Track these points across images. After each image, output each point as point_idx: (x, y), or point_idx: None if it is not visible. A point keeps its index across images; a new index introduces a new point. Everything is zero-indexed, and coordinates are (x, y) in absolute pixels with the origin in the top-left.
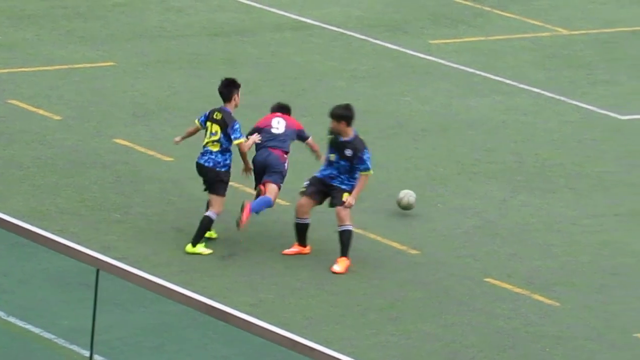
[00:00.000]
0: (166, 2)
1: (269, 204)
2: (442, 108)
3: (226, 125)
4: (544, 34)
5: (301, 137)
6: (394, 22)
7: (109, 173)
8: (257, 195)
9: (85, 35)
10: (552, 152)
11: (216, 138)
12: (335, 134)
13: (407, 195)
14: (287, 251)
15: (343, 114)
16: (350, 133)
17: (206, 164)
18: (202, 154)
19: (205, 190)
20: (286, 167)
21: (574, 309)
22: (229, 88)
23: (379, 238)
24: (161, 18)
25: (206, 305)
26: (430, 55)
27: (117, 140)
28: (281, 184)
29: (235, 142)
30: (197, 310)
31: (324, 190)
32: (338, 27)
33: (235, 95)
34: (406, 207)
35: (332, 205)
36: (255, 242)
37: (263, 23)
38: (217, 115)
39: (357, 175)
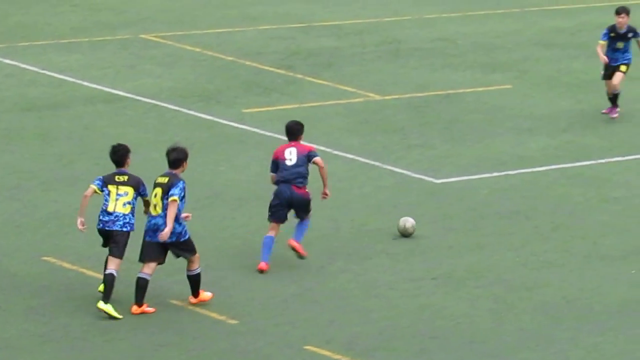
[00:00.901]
0: None
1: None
2: (257, 177)
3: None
4: (356, 100)
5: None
6: (207, 92)
7: None
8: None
9: None
10: (369, 218)
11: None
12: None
13: (406, 221)
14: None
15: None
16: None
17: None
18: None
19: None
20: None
21: None
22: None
23: (197, 309)
24: None
25: None
26: (244, 124)
27: None
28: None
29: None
30: None
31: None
32: (151, 98)
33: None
34: (404, 232)
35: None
36: None
37: (75, 96)
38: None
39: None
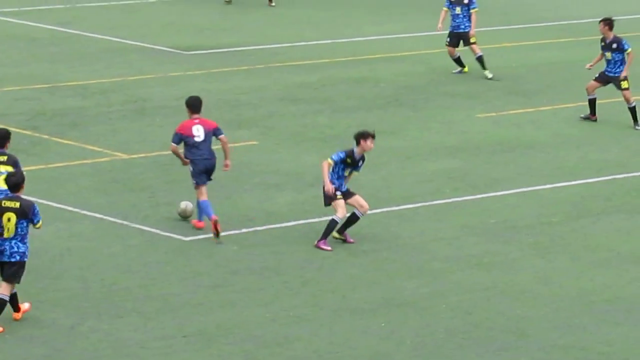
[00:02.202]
0: None
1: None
2: None
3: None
4: (103, 159)
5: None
6: None
7: None
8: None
9: None
10: (118, 277)
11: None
12: None
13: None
14: None
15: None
16: None
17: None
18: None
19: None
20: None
21: None
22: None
23: None
24: None
25: None
26: None
27: None
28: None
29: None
30: None
31: None
32: None
33: None
34: (184, 214)
35: None
36: None
37: None
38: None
39: None
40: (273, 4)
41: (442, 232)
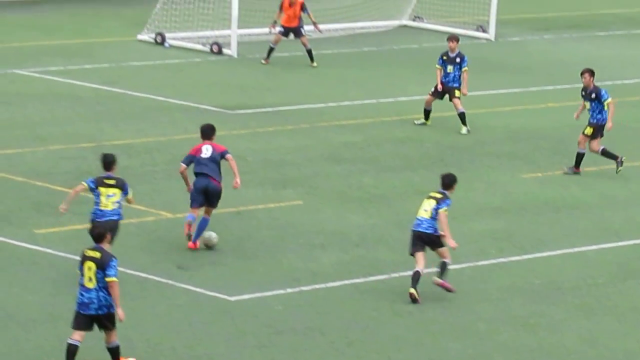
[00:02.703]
0: None
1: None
2: (51, 297)
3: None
4: (148, 219)
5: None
6: None
7: None
8: None
9: None
10: (163, 336)
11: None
12: None
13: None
14: None
15: None
16: None
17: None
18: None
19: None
20: None
21: None
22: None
23: None
24: None
25: None
26: (36, 244)
27: None
28: None
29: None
30: None
31: None
32: None
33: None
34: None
35: None
36: None
37: None
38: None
39: None
40: (315, 64)
41: (488, 292)
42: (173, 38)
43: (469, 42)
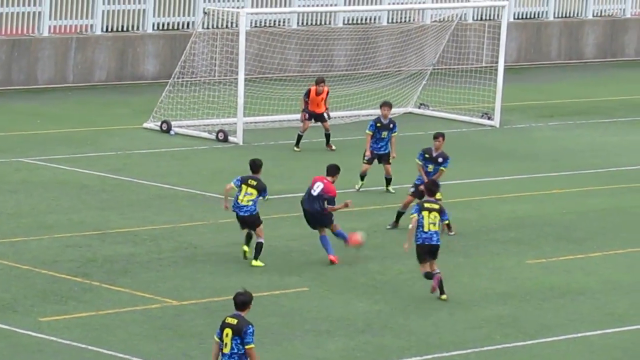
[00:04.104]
0: None
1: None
2: None
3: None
4: (154, 306)
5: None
6: (3, 302)
7: None
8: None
9: None
10: None
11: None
12: None
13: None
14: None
15: None
16: None
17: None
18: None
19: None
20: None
21: None
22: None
23: None
24: None
25: None
26: (41, 333)
27: None
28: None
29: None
30: None
31: None
32: None
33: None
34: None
35: None
36: None
37: None
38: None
39: None
40: (333, 147)
41: None
42: (179, 126)
43: (475, 129)
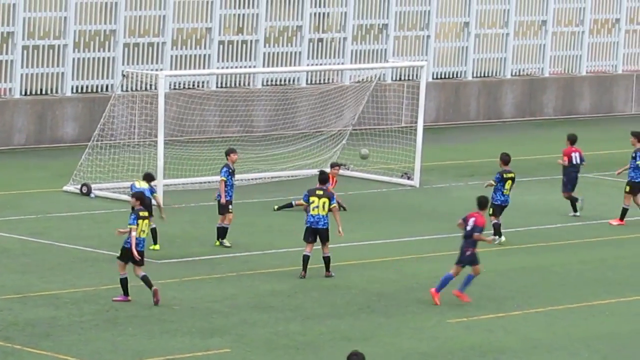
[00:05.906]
0: None
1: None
2: None
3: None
4: None
5: None
6: None
7: None
8: None
9: None
10: None
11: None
12: None
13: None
14: None
15: None
16: None
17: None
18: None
19: None
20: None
21: None
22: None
23: None
24: None
25: None
26: None
27: None
28: None
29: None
30: None
31: None
32: None
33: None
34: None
35: None
36: None
37: None
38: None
39: None
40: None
41: None
42: (99, 189)
43: (395, 189)
